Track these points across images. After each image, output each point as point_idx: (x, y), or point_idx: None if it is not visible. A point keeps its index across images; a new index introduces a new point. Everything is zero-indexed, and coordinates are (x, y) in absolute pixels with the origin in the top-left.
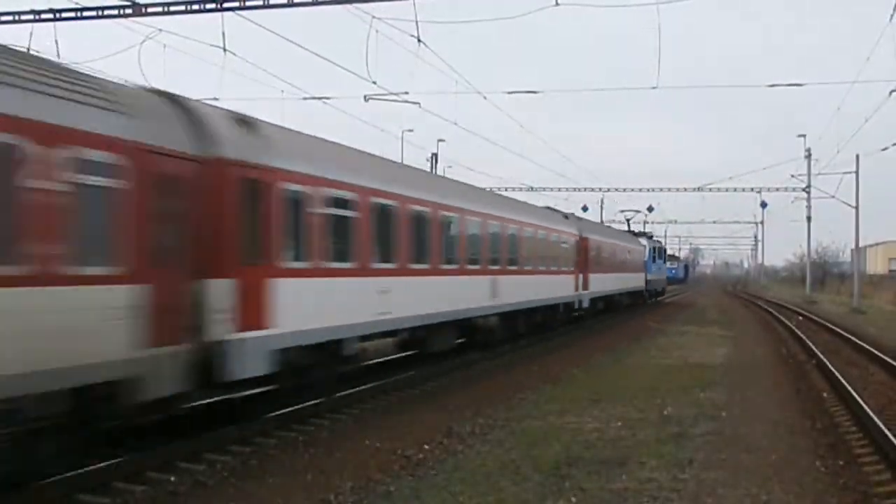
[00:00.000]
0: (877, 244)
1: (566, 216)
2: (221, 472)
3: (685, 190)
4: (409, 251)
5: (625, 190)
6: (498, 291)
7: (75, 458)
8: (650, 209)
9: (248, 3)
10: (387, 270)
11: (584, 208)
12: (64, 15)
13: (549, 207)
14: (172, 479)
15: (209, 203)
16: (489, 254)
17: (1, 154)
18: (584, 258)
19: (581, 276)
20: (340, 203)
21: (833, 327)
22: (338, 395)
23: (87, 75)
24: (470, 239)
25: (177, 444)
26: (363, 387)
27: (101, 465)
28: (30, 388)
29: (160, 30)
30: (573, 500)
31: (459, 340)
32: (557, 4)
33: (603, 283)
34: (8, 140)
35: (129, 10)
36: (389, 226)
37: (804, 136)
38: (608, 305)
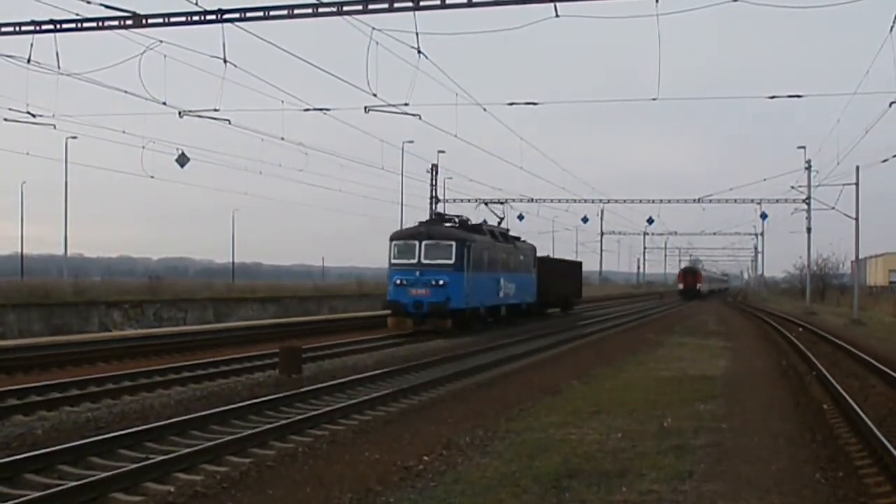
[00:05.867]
0: (877, 256)
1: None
2: (220, 484)
3: (685, 201)
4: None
5: (625, 201)
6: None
7: None
8: (650, 221)
9: (248, 15)
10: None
11: (585, 219)
12: (65, 26)
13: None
14: (171, 489)
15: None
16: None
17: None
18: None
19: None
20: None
21: (833, 339)
22: (337, 406)
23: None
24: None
25: (174, 455)
26: (362, 398)
27: (99, 475)
28: None
29: (161, 41)
30: None
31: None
32: (557, 16)
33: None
34: None
35: (129, 22)
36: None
37: (804, 147)
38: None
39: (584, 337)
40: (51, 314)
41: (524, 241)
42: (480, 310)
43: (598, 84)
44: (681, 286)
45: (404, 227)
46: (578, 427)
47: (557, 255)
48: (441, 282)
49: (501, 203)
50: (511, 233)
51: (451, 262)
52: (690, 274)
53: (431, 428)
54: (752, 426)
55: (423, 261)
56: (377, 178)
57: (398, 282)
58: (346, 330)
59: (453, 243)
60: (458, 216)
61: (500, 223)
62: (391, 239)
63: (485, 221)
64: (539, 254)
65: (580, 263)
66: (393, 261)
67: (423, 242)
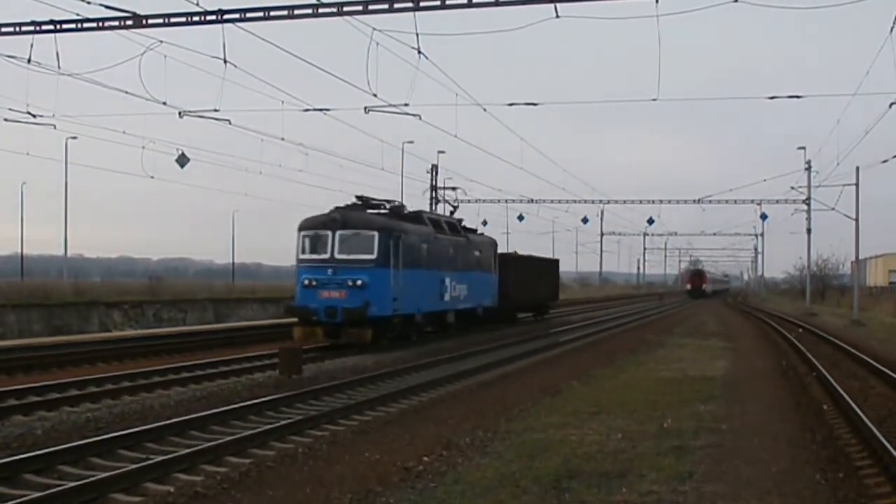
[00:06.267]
0: (877, 256)
1: None
2: (220, 484)
3: (685, 202)
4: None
5: (625, 202)
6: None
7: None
8: (650, 221)
9: (248, 15)
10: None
11: (585, 220)
12: (65, 26)
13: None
14: (171, 490)
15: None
16: None
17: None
18: None
19: None
20: None
21: (833, 339)
22: (337, 406)
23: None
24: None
25: (174, 456)
26: (362, 399)
27: (99, 476)
28: None
29: (161, 41)
30: None
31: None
32: (558, 16)
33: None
34: None
35: (129, 22)
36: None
37: (804, 148)
38: None
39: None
40: (51, 315)
41: (482, 235)
42: (416, 316)
43: (598, 84)
44: (688, 286)
45: None
46: (578, 427)
47: (559, 255)
48: (359, 282)
49: (454, 190)
50: (466, 224)
51: (373, 256)
52: (697, 276)
53: (431, 428)
54: (753, 427)
55: (338, 255)
56: (377, 178)
57: (307, 282)
58: None
59: (375, 234)
60: (388, 201)
61: (452, 213)
62: (299, 228)
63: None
64: (516, 251)
65: (556, 262)
66: (301, 256)
67: (338, 233)
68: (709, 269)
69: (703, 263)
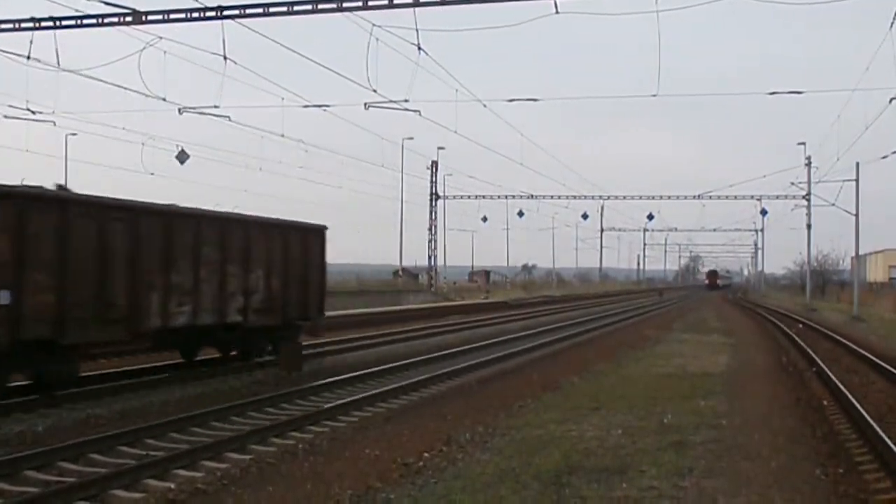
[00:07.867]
0: (877, 252)
1: None
2: (221, 480)
3: (685, 198)
4: None
5: (625, 198)
6: None
7: None
8: (650, 217)
9: (248, 11)
10: None
11: (585, 216)
12: (64, 23)
13: None
14: (171, 486)
15: None
16: None
17: None
18: None
19: None
20: None
21: (833, 335)
22: (336, 402)
23: None
24: None
25: (174, 453)
26: (362, 395)
27: (100, 472)
28: None
29: (160, 37)
30: None
31: None
32: (557, 12)
33: None
34: None
35: (129, 18)
36: None
37: (804, 143)
38: None
39: None
40: None
41: None
42: None
43: (598, 80)
44: (706, 282)
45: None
46: (578, 423)
47: (559, 252)
48: None
49: None
50: None
51: None
52: (713, 275)
53: (431, 424)
54: (753, 422)
55: None
56: (377, 174)
57: None
58: (350, 326)
59: None
60: None
61: None
62: None
63: None
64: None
65: (319, 231)
66: None
67: None
68: (712, 269)
69: (704, 260)
